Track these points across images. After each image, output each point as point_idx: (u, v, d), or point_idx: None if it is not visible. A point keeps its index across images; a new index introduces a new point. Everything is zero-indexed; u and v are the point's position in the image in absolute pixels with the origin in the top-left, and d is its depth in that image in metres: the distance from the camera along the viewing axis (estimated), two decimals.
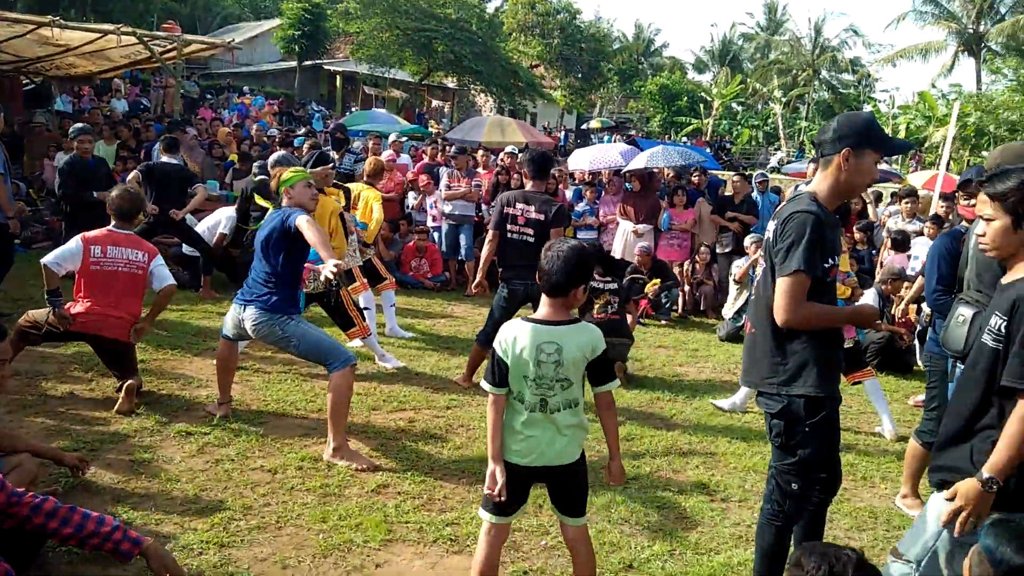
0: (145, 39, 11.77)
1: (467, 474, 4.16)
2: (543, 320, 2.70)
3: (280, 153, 7.66)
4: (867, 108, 35.67)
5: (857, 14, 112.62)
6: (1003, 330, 2.31)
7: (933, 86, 31.87)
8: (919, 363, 7.03)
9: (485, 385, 2.74)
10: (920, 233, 8.33)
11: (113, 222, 4.94)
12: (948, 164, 19.37)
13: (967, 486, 2.31)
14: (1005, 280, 2.45)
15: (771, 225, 2.84)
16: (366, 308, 6.30)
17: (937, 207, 9.02)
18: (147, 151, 10.34)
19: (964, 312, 3.33)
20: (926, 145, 23.86)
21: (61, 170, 7.87)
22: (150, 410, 4.61)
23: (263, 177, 4.82)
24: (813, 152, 24.21)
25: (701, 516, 3.89)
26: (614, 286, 6.45)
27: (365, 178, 7.26)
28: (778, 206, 9.72)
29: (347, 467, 4.05)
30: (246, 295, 4.33)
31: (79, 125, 8.28)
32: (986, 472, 2.28)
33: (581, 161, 12.07)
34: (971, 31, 34.64)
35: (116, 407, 4.50)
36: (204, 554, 3.14)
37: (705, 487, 4.26)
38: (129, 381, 4.57)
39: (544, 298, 2.73)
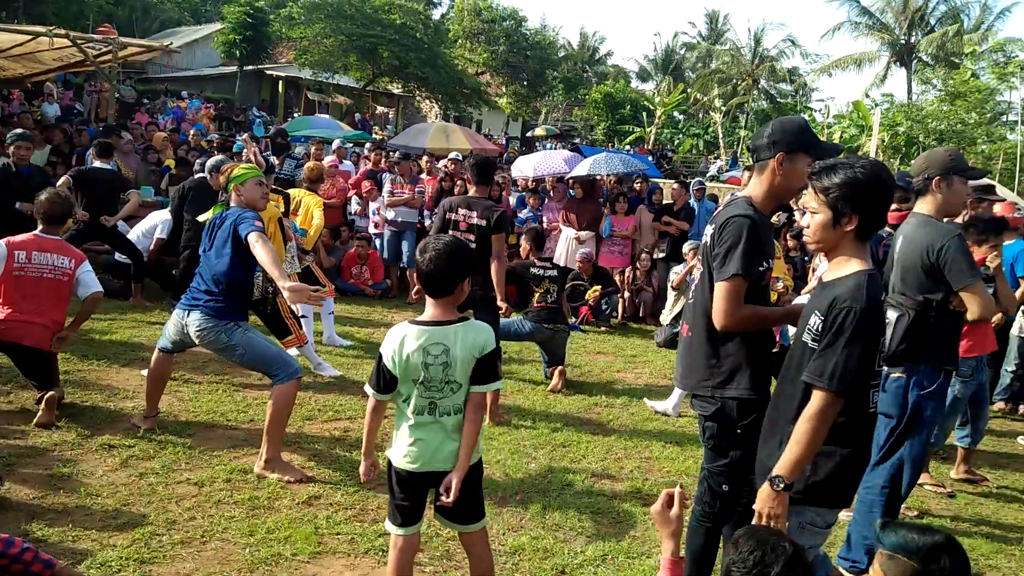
0: (79, 42, 11.45)
1: None
2: (430, 321, 2.68)
3: (219, 157, 7.53)
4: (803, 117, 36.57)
5: (795, 25, 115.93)
6: (819, 328, 2.30)
7: (867, 96, 32.89)
8: None
9: (368, 390, 2.72)
10: None
11: (40, 227, 4.78)
12: None
13: (762, 489, 2.32)
14: (826, 278, 2.42)
15: (708, 230, 2.89)
16: (303, 316, 6.21)
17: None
18: (80, 156, 10.04)
19: (889, 315, 3.44)
20: (859, 153, 24.57)
21: None
22: (72, 423, 4.45)
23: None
24: (748, 160, 24.72)
25: (634, 520, 3.93)
26: (554, 272, 6.48)
27: (305, 184, 7.17)
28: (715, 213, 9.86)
29: (278, 479, 3.98)
30: (190, 300, 4.17)
31: (17, 131, 7.68)
32: (775, 471, 2.29)
33: (525, 167, 12.13)
34: (903, 42, 35.87)
35: (35, 420, 4.33)
36: (123, 571, 3.04)
37: (639, 491, 4.30)
38: (50, 393, 4.40)
39: (429, 299, 2.72)
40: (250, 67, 29.20)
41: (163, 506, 3.60)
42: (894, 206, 4.25)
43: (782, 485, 2.28)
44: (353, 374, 6.03)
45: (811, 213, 2.41)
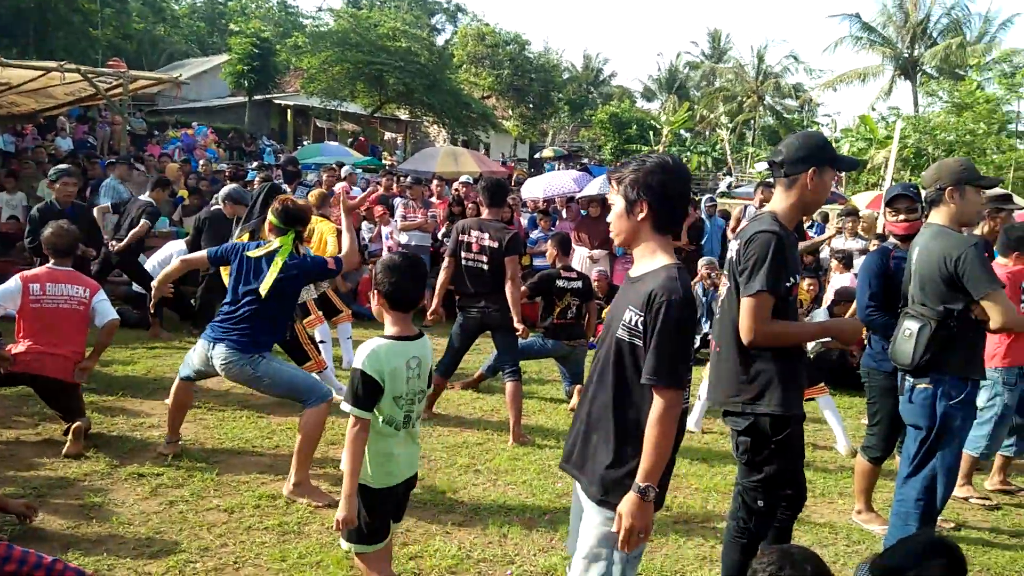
0: (90, 76, 11.59)
1: (429, 505, 4.11)
2: (403, 336, 2.74)
3: (232, 187, 7.61)
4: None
5: (797, 41, 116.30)
6: (639, 325, 2.21)
7: (872, 109, 32.92)
8: None
9: (351, 408, 2.62)
10: (864, 251, 8.55)
11: (51, 260, 4.82)
12: (891, 183, 19.98)
13: (627, 503, 2.18)
14: (633, 273, 2.34)
15: (734, 245, 2.90)
16: (322, 342, 6.23)
17: (883, 226, 9.28)
18: (94, 189, 10.14)
19: (911, 326, 3.42)
20: (868, 166, 24.58)
21: (31, 217, 6.98)
22: (100, 452, 4.47)
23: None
24: (758, 176, 24.62)
25: (665, 539, 3.90)
26: (579, 284, 6.43)
27: (316, 210, 7.21)
28: (725, 229, 9.83)
29: (306, 504, 3.97)
30: (216, 332, 4.16)
31: (62, 166, 7.14)
32: (640, 482, 2.17)
33: (535, 189, 12.18)
34: (906, 55, 35.97)
35: (64, 450, 4.35)
36: None
37: (668, 509, 4.26)
38: (77, 423, 4.43)
39: (395, 313, 2.75)
40: (259, 96, 29.49)
41: (195, 533, 3.60)
42: (901, 216, 4.23)
43: (652, 494, 2.17)
44: None
45: (612, 205, 2.37)
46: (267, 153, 21.78)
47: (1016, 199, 9.31)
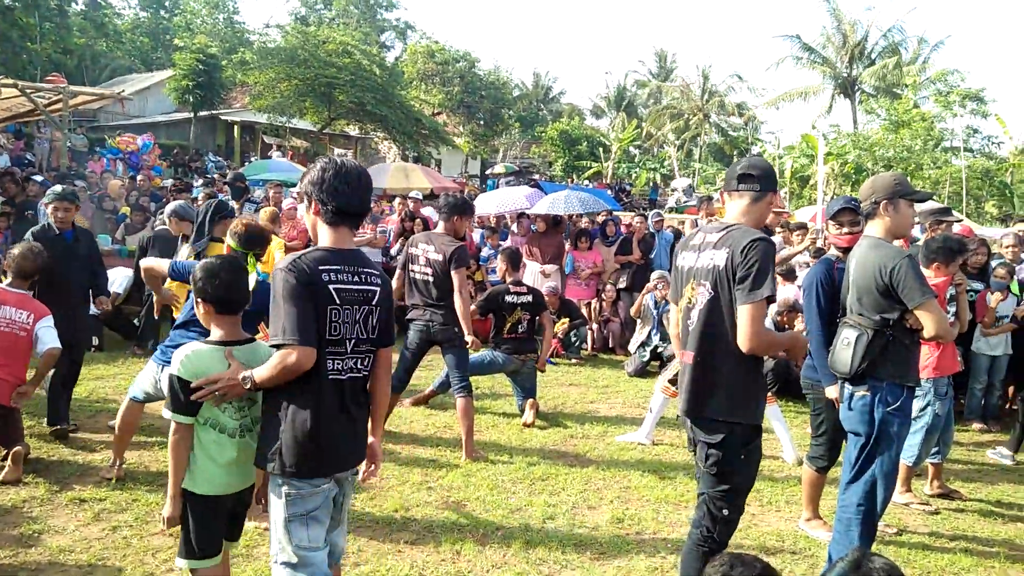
0: (28, 91, 11.31)
1: (381, 524, 4.08)
2: (227, 341, 2.70)
3: (178, 203, 7.47)
4: (755, 149, 37.63)
5: (741, 60, 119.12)
6: None
7: (814, 127, 33.87)
8: None
9: (171, 415, 2.59)
10: (808, 264, 8.78)
11: (8, 280, 4.68)
12: (831, 199, 20.55)
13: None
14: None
15: (715, 255, 2.90)
16: None
17: (821, 241, 9.54)
18: (32, 208, 9.83)
19: (848, 335, 3.53)
20: (811, 182, 25.24)
21: (25, 240, 5.95)
22: (40, 478, 4.33)
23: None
24: (705, 191, 25.11)
25: (617, 550, 3.93)
26: (529, 298, 6.47)
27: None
28: (675, 243, 9.99)
29: (255, 527, 3.90)
30: (168, 355, 4.02)
31: (56, 189, 6.28)
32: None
33: (488, 205, 12.23)
34: (845, 75, 37.14)
35: (2, 476, 4.21)
36: None
37: (620, 521, 4.31)
38: (16, 448, 4.29)
39: (221, 318, 2.72)
40: (204, 113, 29.04)
41: (139, 559, 3.51)
42: (845, 229, 4.37)
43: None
44: None
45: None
46: (211, 169, 21.42)
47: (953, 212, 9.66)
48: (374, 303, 2.58)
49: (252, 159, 25.43)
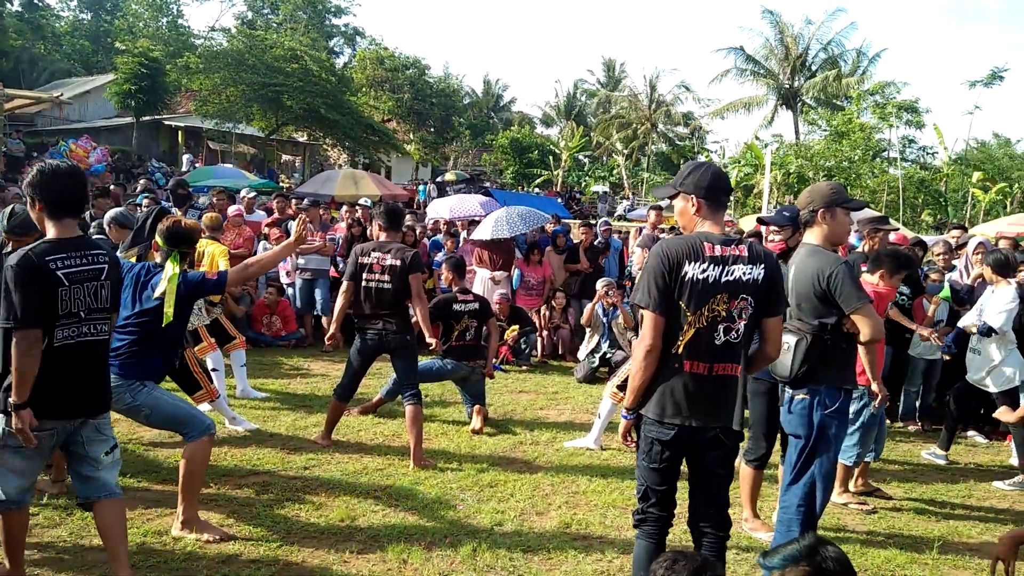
0: None
1: (327, 534, 4.02)
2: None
3: (118, 210, 7.26)
4: (701, 158, 38.27)
5: (687, 71, 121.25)
6: None
7: (757, 138, 34.69)
8: None
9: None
10: None
11: None
12: (775, 208, 21.03)
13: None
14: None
15: (752, 269, 2.92)
16: (214, 370, 6.02)
17: (766, 246, 9.77)
18: None
19: (788, 340, 3.61)
20: (755, 191, 25.81)
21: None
22: None
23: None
24: (652, 200, 25.52)
25: (564, 555, 3.94)
26: (476, 306, 6.47)
27: (207, 233, 6.99)
28: (622, 250, 10.06)
29: (195, 539, 3.81)
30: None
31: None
32: None
33: (441, 209, 12.19)
34: (787, 86, 38.12)
35: None
36: None
37: (568, 526, 4.32)
38: None
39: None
40: (147, 118, 28.40)
41: None
42: (778, 237, 4.48)
43: None
44: (270, 426, 5.87)
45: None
46: (154, 175, 20.95)
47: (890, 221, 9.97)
48: (103, 278, 3.10)
49: (197, 165, 24.94)
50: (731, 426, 2.94)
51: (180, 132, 29.84)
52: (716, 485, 3.05)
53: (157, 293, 3.87)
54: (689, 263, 2.87)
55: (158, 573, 3.48)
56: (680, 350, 2.90)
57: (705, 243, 2.91)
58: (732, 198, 24.80)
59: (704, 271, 2.87)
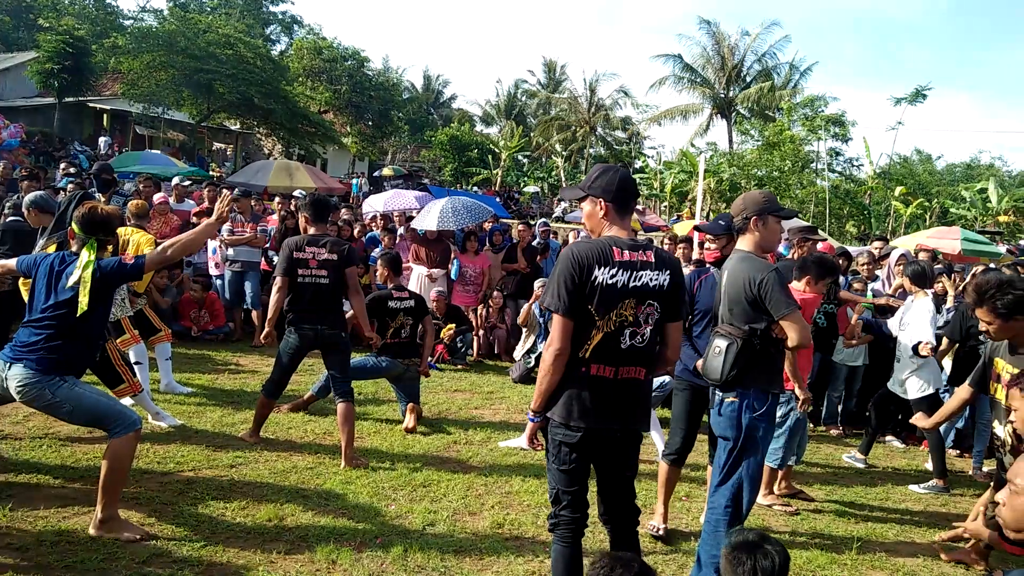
0: None
1: (253, 535, 3.91)
2: None
3: (38, 194, 6.93)
4: (637, 164, 38.93)
5: (626, 76, 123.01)
6: None
7: (692, 145, 35.42)
8: None
9: None
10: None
11: None
12: (708, 214, 21.51)
13: None
14: None
15: (658, 276, 2.98)
16: (138, 363, 5.81)
17: (696, 253, 9.97)
18: None
19: (720, 344, 3.68)
20: (689, 197, 26.32)
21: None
22: None
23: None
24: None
25: (495, 556, 3.93)
26: (411, 303, 6.40)
27: (132, 221, 6.74)
28: (560, 251, 10.21)
29: (114, 539, 3.66)
30: (15, 352, 3.71)
31: (33, 195, 5.85)
32: None
33: (376, 204, 12.06)
34: (722, 96, 39.03)
35: None
36: None
37: (501, 526, 4.31)
38: None
39: None
40: (71, 99, 27.25)
41: None
42: (714, 245, 4.58)
43: None
44: (195, 423, 5.69)
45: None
46: (77, 158, 20.12)
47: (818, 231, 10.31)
48: None
49: (123, 150, 24.06)
50: (636, 428, 3.05)
51: (105, 115, 28.74)
52: (623, 483, 3.14)
53: (71, 282, 3.70)
54: (599, 268, 2.90)
55: (75, 574, 3.33)
56: (587, 354, 2.93)
57: (614, 248, 2.95)
58: (666, 203, 25.23)
59: (613, 276, 2.90)
